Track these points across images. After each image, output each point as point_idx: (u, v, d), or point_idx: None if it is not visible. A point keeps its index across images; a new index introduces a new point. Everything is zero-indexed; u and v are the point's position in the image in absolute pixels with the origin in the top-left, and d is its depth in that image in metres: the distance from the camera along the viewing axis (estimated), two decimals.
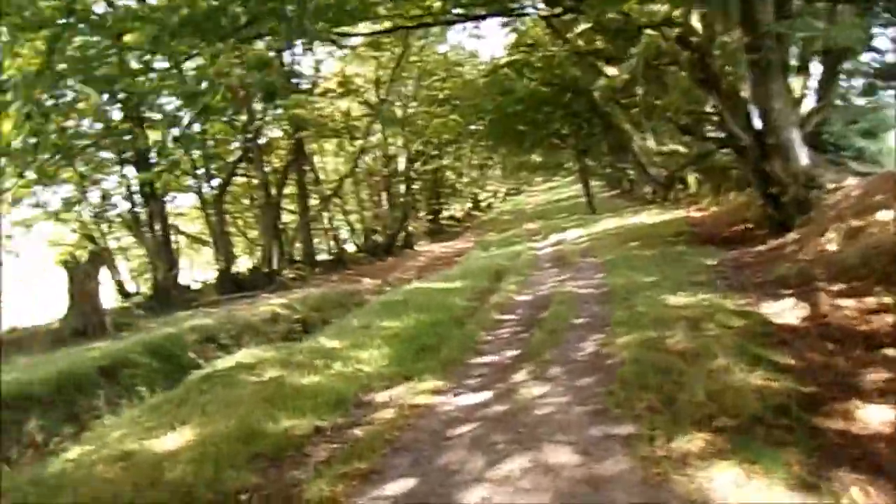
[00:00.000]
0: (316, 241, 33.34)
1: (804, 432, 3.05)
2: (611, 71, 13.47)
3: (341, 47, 25.09)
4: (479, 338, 6.31)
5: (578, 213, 28.75)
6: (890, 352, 3.92)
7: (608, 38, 16.41)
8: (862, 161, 11.41)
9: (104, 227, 23.36)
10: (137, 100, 19.99)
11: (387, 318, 7.68)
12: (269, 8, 9.90)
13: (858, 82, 12.75)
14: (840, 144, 11.33)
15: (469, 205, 53.74)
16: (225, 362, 6.15)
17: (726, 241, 11.66)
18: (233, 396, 4.81)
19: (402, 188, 33.46)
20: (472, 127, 34.91)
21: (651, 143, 19.14)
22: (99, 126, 20.98)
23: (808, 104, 11.87)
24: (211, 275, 25.69)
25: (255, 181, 25.45)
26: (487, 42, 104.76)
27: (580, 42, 16.04)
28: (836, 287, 5.54)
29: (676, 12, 10.57)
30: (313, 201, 28.89)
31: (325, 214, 30.35)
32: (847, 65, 12.09)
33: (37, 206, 23.06)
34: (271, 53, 22.69)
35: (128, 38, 10.54)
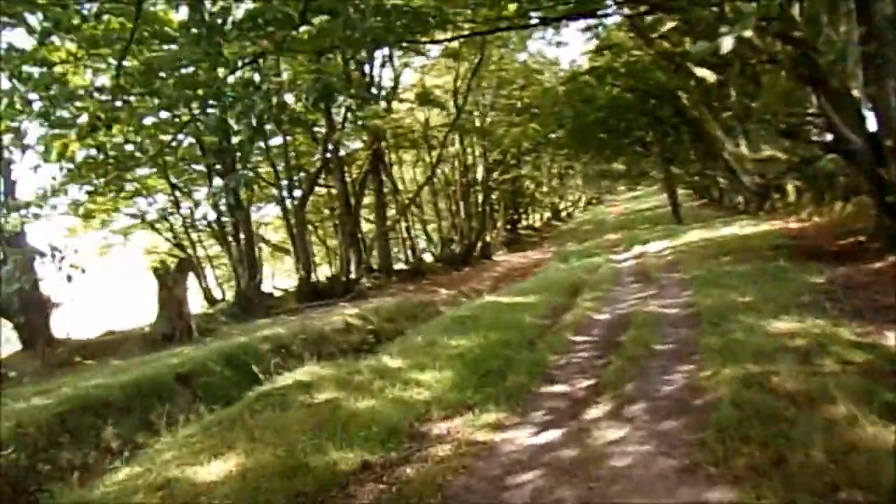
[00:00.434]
0: (394, 250, 33.65)
1: None
2: (701, 72, 12.50)
3: (420, 53, 25.17)
4: (549, 362, 5.77)
5: (663, 223, 27.36)
6: None
7: (696, 39, 15.41)
8: None
9: (193, 236, 24.47)
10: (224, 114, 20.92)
11: (453, 336, 7.29)
12: (342, 20, 9.88)
13: None
14: None
15: (548, 214, 52.77)
16: (284, 379, 5.95)
17: (834, 257, 10.45)
18: (284, 420, 4.56)
19: (480, 198, 33.12)
20: (552, 135, 34.19)
21: (744, 148, 17.78)
22: (191, 140, 22.10)
23: None
24: (292, 283, 26.34)
25: (335, 191, 25.90)
26: (568, 49, 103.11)
27: (666, 44, 15.12)
28: None
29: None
30: (391, 211, 29.09)
31: (403, 224, 30.51)
32: None
33: (134, 216, 24.58)
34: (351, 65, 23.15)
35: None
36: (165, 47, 11.25)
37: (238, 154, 21.93)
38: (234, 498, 3.28)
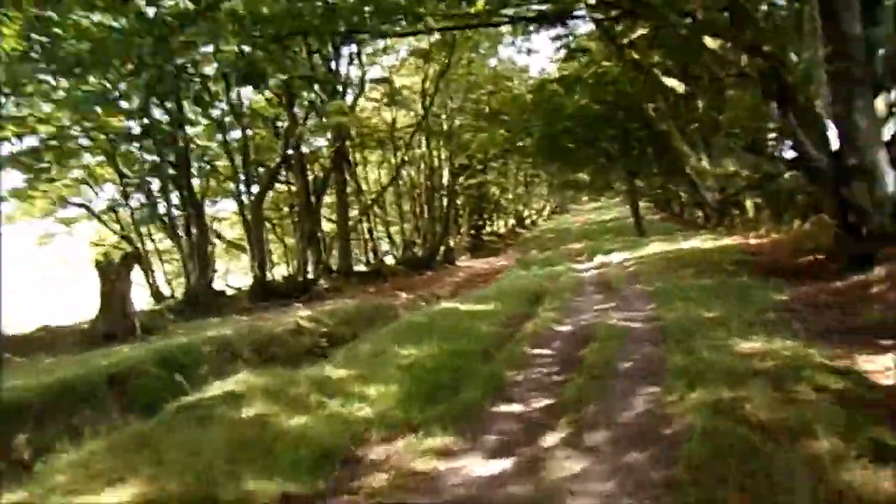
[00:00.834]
0: (356, 251, 32.95)
1: None
2: (671, 82, 12.38)
3: (385, 51, 24.70)
4: (506, 377, 5.35)
5: (625, 234, 27.45)
6: None
7: (666, 50, 15.38)
8: None
9: (143, 229, 23.36)
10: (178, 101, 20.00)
11: (405, 344, 6.80)
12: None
13: None
14: None
15: (513, 221, 52.78)
16: (213, 389, 5.39)
17: (795, 274, 10.37)
18: (203, 439, 4.01)
19: (445, 202, 32.73)
20: (519, 143, 34.13)
21: (707, 164, 17.87)
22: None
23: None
24: (247, 281, 25.44)
25: (295, 188, 25.15)
26: (538, 57, 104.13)
27: (635, 55, 15.03)
28: None
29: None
30: (354, 212, 28.46)
31: (365, 225, 29.87)
32: None
33: (81, 206, 23.33)
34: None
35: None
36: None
37: (190, 146, 21.06)
38: None
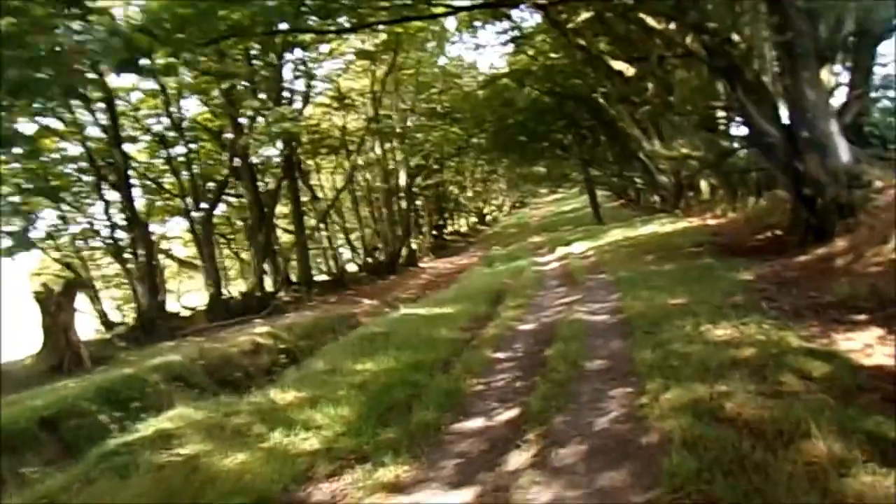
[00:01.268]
0: (317, 260, 32.13)
1: None
2: (619, 65, 12.17)
3: (331, 53, 24.05)
4: (466, 388, 4.91)
5: (585, 224, 27.42)
6: None
7: (611, 37, 15.24)
8: None
9: (86, 254, 22.20)
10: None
11: (360, 359, 6.33)
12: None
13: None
14: (886, 137, 9.94)
15: (474, 219, 52.56)
16: (145, 428, 4.81)
17: (755, 252, 10.26)
18: (122, 493, 3.47)
19: (404, 204, 32.21)
20: (474, 140, 33.87)
21: (660, 147, 17.84)
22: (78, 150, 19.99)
23: (840, 94, 10.51)
24: (205, 300, 24.46)
25: (246, 200, 24.27)
26: (486, 53, 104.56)
27: (581, 41, 14.83)
28: None
29: None
30: (312, 220, 27.72)
31: (324, 233, 29.12)
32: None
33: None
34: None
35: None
36: None
37: (128, 165, 20.02)
38: None
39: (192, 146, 23.66)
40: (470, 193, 50.59)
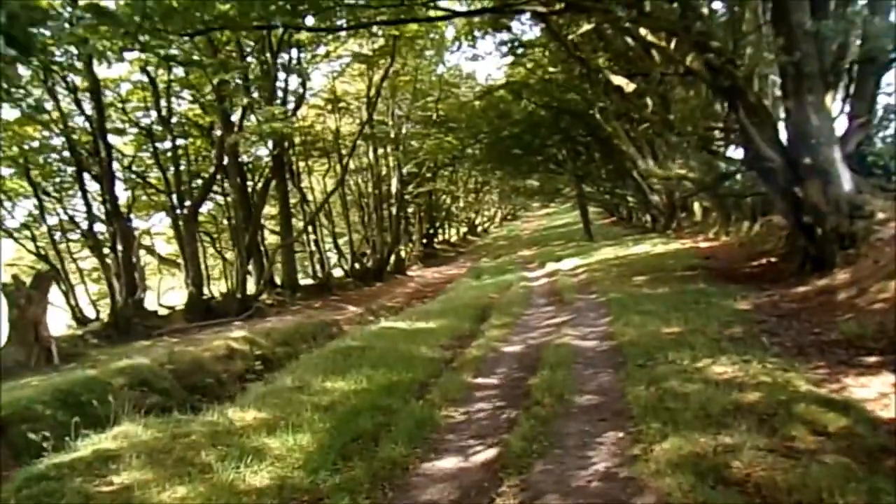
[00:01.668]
0: (305, 264, 31.58)
1: None
2: (619, 80, 11.86)
3: (328, 55, 23.69)
4: (440, 419, 4.48)
5: (575, 240, 27.17)
6: None
7: (611, 53, 14.99)
8: None
9: (63, 247, 21.57)
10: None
11: (331, 375, 5.89)
12: None
13: None
14: (889, 167, 9.68)
15: (464, 229, 52.23)
16: (84, 447, 4.34)
17: (751, 279, 9.95)
18: None
19: (394, 210, 31.81)
20: (469, 150, 33.65)
21: (655, 166, 17.59)
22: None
23: (842, 121, 10.24)
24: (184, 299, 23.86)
25: (231, 199, 23.78)
26: (485, 64, 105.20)
27: (580, 54, 14.57)
28: None
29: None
30: (301, 223, 27.26)
31: (311, 236, 28.62)
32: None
33: None
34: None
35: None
36: None
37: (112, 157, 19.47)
38: None
39: (181, 141, 23.20)
40: (462, 203, 50.27)
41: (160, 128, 21.86)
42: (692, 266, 12.09)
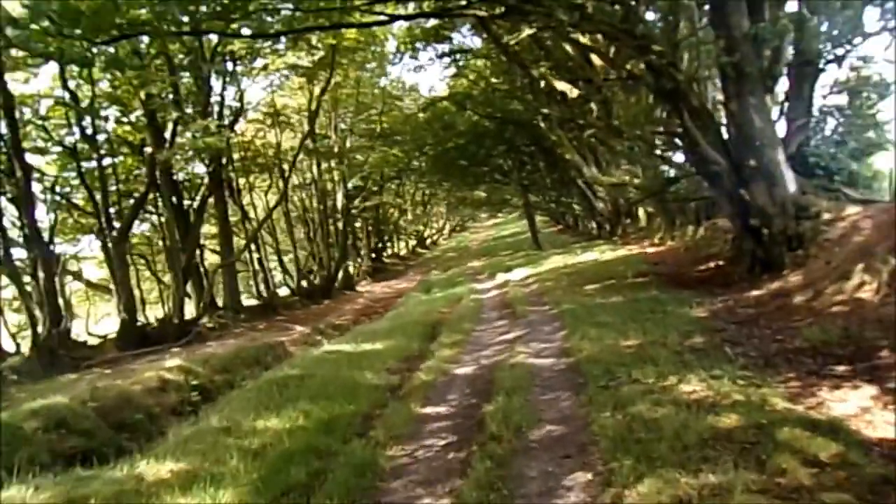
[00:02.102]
0: (249, 283, 30.33)
1: None
2: (562, 86, 11.68)
3: (266, 68, 22.89)
4: (384, 461, 3.94)
5: (524, 249, 27.09)
6: None
7: (552, 61, 14.90)
8: (853, 187, 9.85)
9: None
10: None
11: (264, 412, 5.27)
12: None
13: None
14: (830, 167, 9.77)
15: (413, 242, 51.72)
16: None
17: (701, 283, 9.83)
18: None
19: (341, 225, 31.02)
20: (415, 162, 33.30)
21: (599, 173, 17.61)
22: None
23: (782, 123, 10.32)
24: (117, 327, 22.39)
25: (166, 218, 22.53)
26: (427, 76, 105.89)
27: (521, 60, 14.39)
28: None
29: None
30: (243, 241, 26.16)
31: (254, 255, 27.50)
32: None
33: None
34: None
35: None
36: None
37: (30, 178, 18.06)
38: None
39: (110, 160, 21.88)
40: (410, 216, 49.80)
41: (85, 146, 20.52)
42: (642, 272, 11.97)
